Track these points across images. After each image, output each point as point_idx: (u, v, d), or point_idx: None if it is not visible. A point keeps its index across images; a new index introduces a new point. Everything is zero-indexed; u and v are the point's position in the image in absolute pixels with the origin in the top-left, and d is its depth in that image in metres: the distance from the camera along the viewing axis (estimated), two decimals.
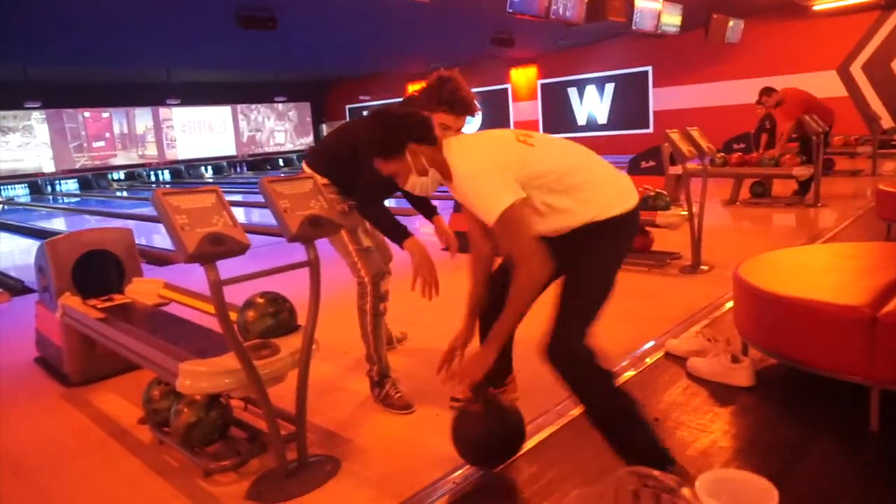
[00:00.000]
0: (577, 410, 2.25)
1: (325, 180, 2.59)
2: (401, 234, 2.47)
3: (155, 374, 2.42)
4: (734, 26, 12.60)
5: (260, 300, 2.31)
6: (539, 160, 1.92)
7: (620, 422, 1.83)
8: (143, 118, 19.80)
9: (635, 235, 2.09)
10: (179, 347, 2.27)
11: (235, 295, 2.34)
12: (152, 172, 20.20)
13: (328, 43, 13.45)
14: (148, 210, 11.98)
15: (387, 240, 2.84)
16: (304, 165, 2.76)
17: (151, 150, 20.04)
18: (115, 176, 19.50)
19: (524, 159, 1.89)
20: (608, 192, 1.98)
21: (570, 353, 1.82)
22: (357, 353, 3.27)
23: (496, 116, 19.02)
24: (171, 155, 20.48)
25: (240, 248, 1.88)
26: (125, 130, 19.53)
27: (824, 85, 8.87)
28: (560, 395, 2.21)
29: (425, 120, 1.96)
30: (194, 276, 2.10)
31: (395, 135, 1.92)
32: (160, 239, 8.28)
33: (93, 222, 11.23)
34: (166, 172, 20.50)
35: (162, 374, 2.30)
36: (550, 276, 1.87)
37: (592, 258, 1.92)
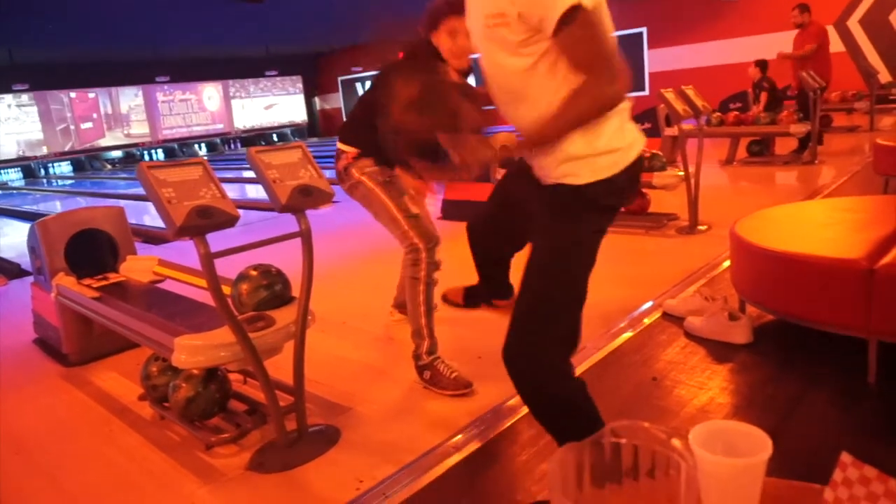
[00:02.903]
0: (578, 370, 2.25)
1: (355, 151, 2.54)
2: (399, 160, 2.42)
3: (152, 351, 2.41)
4: None
5: (253, 272, 2.30)
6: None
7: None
8: (126, 97, 19.51)
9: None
10: (175, 323, 2.27)
11: (231, 269, 2.33)
12: (145, 152, 20.05)
13: (317, 13, 13.23)
14: (142, 190, 11.91)
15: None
16: (337, 144, 2.64)
17: (135, 130, 19.75)
18: (110, 156, 19.35)
19: None
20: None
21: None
22: (353, 324, 3.29)
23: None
24: (164, 134, 20.32)
25: (229, 220, 1.85)
26: (109, 111, 19.29)
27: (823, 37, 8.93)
28: None
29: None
30: (189, 254, 2.08)
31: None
32: (155, 218, 8.25)
33: (87, 204, 11.17)
34: (159, 152, 20.34)
35: (158, 350, 2.29)
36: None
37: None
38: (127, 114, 19.62)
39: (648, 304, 3.04)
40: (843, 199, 3.27)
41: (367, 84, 17.53)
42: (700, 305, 2.77)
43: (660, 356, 2.51)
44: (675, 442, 0.70)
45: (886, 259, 2.14)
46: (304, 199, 2.03)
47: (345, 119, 2.68)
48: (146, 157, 20.01)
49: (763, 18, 12.69)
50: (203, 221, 1.80)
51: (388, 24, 16.11)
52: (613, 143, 1.45)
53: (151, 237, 6.27)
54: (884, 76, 11.80)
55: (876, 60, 11.63)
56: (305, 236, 2.06)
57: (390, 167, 2.57)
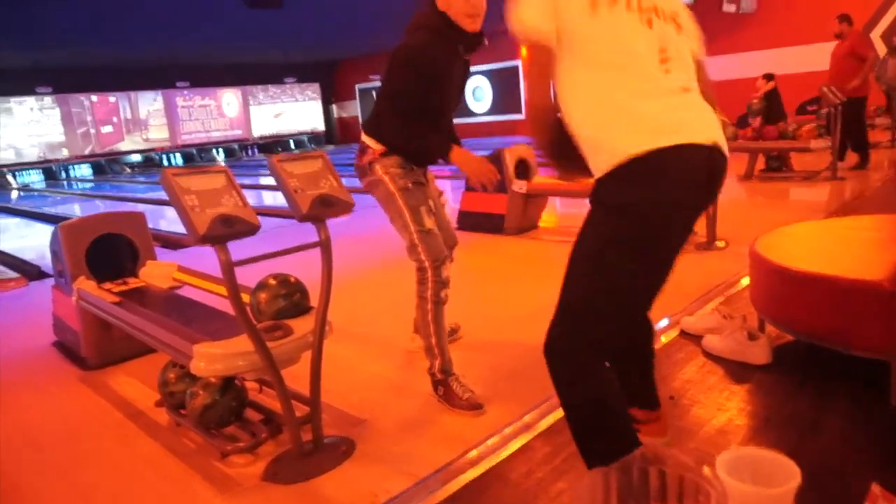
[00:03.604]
0: None
1: (382, 148, 2.45)
2: (444, 149, 2.38)
3: (170, 357, 2.43)
4: None
5: (272, 282, 2.31)
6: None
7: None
8: (145, 101, 19.74)
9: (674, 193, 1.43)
10: (193, 330, 2.28)
11: (249, 277, 2.34)
12: (164, 156, 20.27)
13: (335, 21, 13.35)
14: (161, 194, 12.05)
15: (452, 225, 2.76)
16: (362, 136, 2.55)
17: (154, 134, 19.98)
18: (129, 160, 19.58)
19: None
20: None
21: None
22: (371, 335, 3.29)
23: (507, 94, 18.85)
24: (183, 139, 20.55)
25: (250, 229, 1.87)
26: (128, 115, 19.52)
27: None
28: None
29: None
30: (207, 259, 2.10)
31: None
32: (173, 223, 8.33)
33: (106, 207, 11.31)
34: (178, 156, 20.56)
35: (176, 357, 2.31)
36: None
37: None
38: (146, 118, 19.87)
39: (665, 322, 3.01)
40: (865, 217, 3.24)
41: None
42: (718, 323, 2.74)
43: (677, 375, 2.49)
44: (706, 469, 0.69)
45: None
46: (324, 209, 2.05)
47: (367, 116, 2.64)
48: (165, 162, 20.25)
49: (782, 32, 12.62)
50: (225, 230, 1.82)
51: (399, 34, 16.24)
52: (638, 126, 1.41)
53: (170, 242, 6.33)
54: None
55: None
56: (325, 246, 2.08)
57: (415, 168, 2.50)
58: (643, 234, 1.44)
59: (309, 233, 2.07)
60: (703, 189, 1.48)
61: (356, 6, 11.19)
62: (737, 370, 2.47)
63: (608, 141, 1.43)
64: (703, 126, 1.46)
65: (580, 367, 1.48)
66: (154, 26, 12.17)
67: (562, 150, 1.58)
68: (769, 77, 7.96)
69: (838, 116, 6.56)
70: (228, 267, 1.85)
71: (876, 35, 12.03)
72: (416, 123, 2.38)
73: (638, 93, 1.44)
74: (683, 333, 2.85)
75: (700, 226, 4.48)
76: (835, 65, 7.25)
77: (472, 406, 2.35)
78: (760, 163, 7.33)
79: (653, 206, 1.42)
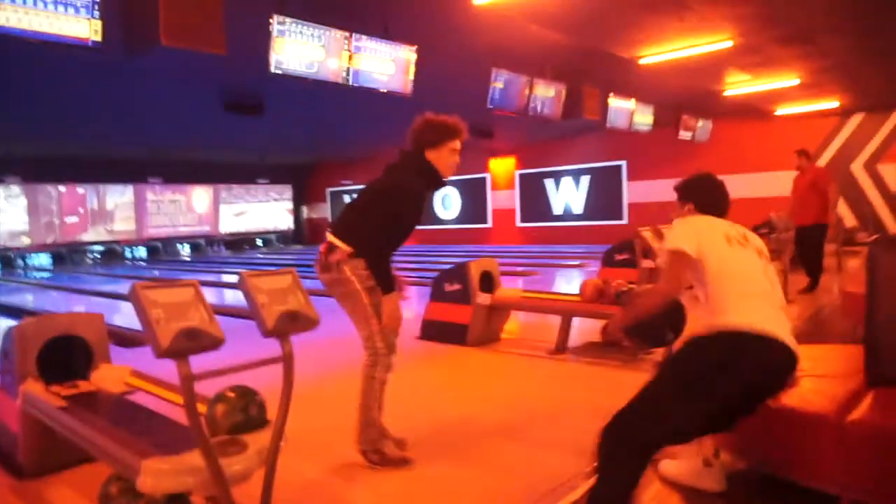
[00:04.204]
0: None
1: (349, 249, 2.87)
2: (390, 286, 2.87)
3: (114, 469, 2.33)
4: (703, 126, 13.25)
5: (231, 394, 2.27)
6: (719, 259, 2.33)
7: None
8: (113, 194, 19.75)
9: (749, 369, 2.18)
10: (143, 442, 2.21)
11: (205, 382, 2.30)
12: (127, 248, 20.07)
13: (312, 128, 13.83)
14: (121, 287, 11.83)
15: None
16: (330, 237, 2.94)
17: (120, 226, 19.85)
18: (94, 253, 19.32)
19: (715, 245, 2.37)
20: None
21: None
22: (330, 448, 3.21)
23: (475, 205, 19.47)
24: (149, 232, 20.45)
25: (214, 344, 1.88)
26: (96, 206, 19.45)
27: (789, 183, 9.45)
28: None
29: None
30: (162, 362, 2.07)
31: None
32: (129, 318, 8.14)
33: (62, 299, 11.03)
34: (142, 249, 20.39)
35: (122, 471, 2.21)
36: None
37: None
38: (112, 210, 19.79)
39: None
40: (814, 346, 3.36)
41: (355, 196, 17.96)
42: (675, 449, 2.75)
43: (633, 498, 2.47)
44: None
45: (856, 414, 2.19)
46: (289, 325, 2.07)
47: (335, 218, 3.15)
48: (128, 254, 20.02)
49: (735, 159, 13.47)
50: (189, 344, 1.82)
51: (375, 143, 16.86)
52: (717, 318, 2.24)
53: (125, 339, 6.16)
54: (849, 221, 12.45)
55: (840, 206, 12.28)
56: (287, 362, 2.08)
57: (373, 273, 2.87)
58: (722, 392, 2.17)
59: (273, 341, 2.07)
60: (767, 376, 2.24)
61: (332, 118, 11.66)
62: (692, 496, 2.47)
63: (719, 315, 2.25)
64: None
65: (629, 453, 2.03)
66: (133, 126, 12.44)
67: (641, 329, 2.52)
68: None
69: (788, 241, 6.92)
70: (188, 381, 1.84)
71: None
72: (387, 252, 2.92)
73: (748, 295, 2.27)
74: None
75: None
76: (797, 196, 7.74)
77: (402, 462, 2.90)
78: None
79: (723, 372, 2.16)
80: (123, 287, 11.99)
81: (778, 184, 10.17)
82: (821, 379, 2.64)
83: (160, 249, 20.62)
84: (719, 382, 2.12)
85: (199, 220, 21.77)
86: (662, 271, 2.45)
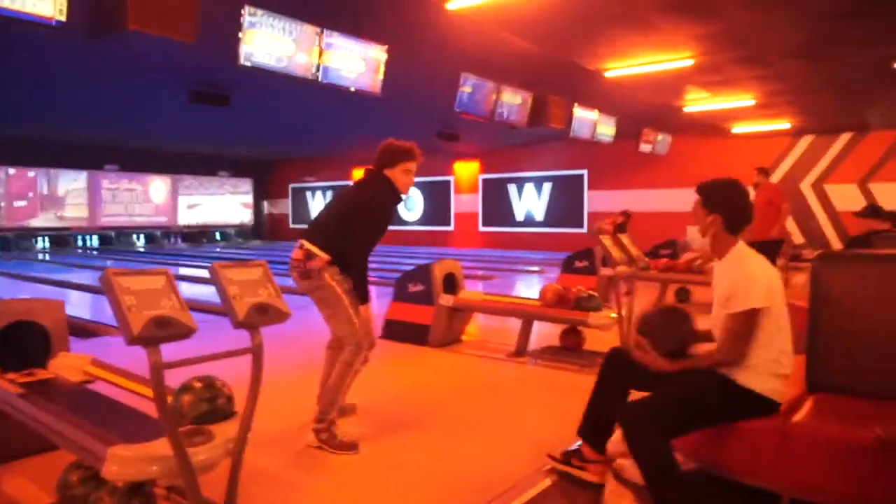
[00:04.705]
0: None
1: (327, 257, 3.14)
2: (365, 296, 3.21)
3: (75, 458, 2.31)
4: (662, 140, 13.62)
5: (197, 385, 2.28)
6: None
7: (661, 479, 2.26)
8: (65, 179, 19.19)
9: (747, 418, 2.37)
10: (108, 430, 2.20)
11: (170, 375, 2.30)
12: (79, 237, 19.51)
13: (278, 123, 13.70)
14: (73, 276, 11.50)
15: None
16: (307, 245, 3.18)
17: (72, 213, 19.28)
18: (42, 242, 18.70)
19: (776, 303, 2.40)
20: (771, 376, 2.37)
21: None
22: (295, 444, 3.22)
23: (438, 207, 19.55)
24: (103, 221, 19.91)
25: (186, 332, 1.89)
26: (45, 191, 18.85)
27: None
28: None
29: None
30: (118, 352, 2.07)
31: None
32: (79, 308, 7.97)
33: (9, 285, 10.67)
34: (95, 238, 19.85)
35: (85, 458, 2.20)
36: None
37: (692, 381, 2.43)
38: (64, 196, 19.21)
39: (580, 443, 3.11)
40: None
41: (318, 193, 17.83)
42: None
43: (590, 497, 2.57)
44: None
45: (798, 416, 2.33)
46: (260, 317, 2.09)
47: (311, 223, 3.39)
48: (79, 242, 19.46)
49: (692, 173, 13.82)
50: (160, 332, 1.83)
51: (340, 143, 16.78)
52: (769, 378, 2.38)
53: (77, 329, 6.02)
54: (797, 238, 12.96)
55: (789, 223, 12.78)
56: (256, 354, 2.10)
57: (349, 276, 3.19)
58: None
59: (238, 334, 2.08)
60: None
61: (300, 113, 11.59)
62: (645, 493, 2.57)
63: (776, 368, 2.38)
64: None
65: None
66: (91, 110, 12.12)
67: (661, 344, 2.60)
68: (626, 213, 8.92)
69: None
70: (158, 369, 1.84)
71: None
72: (363, 258, 3.23)
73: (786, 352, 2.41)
74: None
75: None
76: (755, 213, 8.03)
77: (348, 447, 3.07)
78: (670, 293, 7.85)
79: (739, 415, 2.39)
80: (74, 276, 11.66)
81: None
82: None
83: (113, 239, 20.10)
84: (731, 419, 2.39)
85: (156, 210, 21.31)
86: (730, 331, 2.36)
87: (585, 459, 2.73)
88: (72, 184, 19.33)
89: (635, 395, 2.60)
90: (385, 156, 3.35)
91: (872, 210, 7.33)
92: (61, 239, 19.03)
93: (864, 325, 2.60)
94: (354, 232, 3.16)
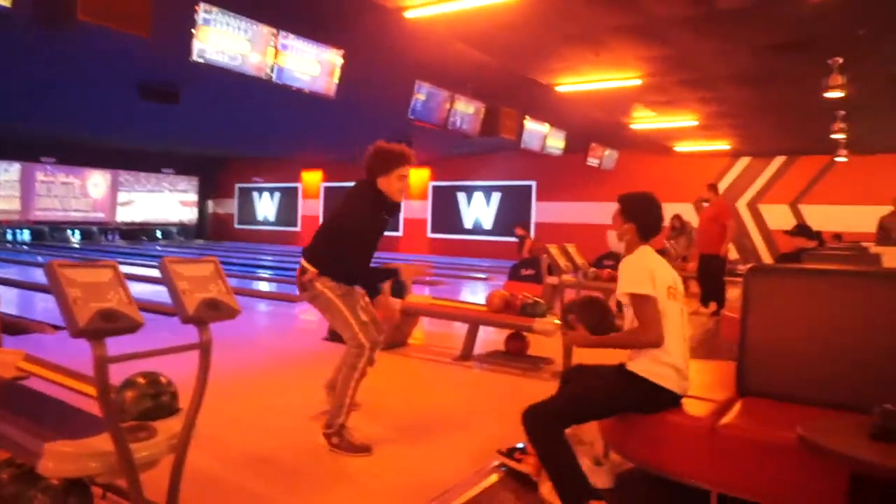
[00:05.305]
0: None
1: (315, 271, 3.24)
2: (375, 291, 3.45)
3: (8, 455, 2.23)
4: (610, 155, 14.01)
5: (141, 380, 2.25)
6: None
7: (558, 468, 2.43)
8: None
9: (647, 408, 2.54)
10: (43, 426, 2.14)
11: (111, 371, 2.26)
12: (9, 231, 18.63)
13: (227, 122, 13.45)
14: (1, 272, 10.99)
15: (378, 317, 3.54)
16: (302, 261, 3.29)
17: (1, 205, 18.39)
18: None
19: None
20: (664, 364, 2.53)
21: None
22: (238, 445, 3.19)
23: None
24: (36, 215, 19.08)
25: (133, 326, 1.87)
26: None
27: (683, 214, 10.34)
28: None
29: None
30: (54, 349, 2.02)
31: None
32: (9, 304, 7.63)
33: None
34: (26, 232, 19.00)
35: (19, 454, 2.13)
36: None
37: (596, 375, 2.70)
38: None
39: (521, 445, 3.19)
40: (696, 362, 3.69)
41: (265, 194, 17.63)
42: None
43: (531, 495, 2.64)
44: None
45: (726, 419, 2.46)
46: (210, 313, 2.08)
47: (308, 241, 3.45)
48: (9, 237, 18.59)
49: (637, 188, 14.25)
50: (106, 325, 1.80)
51: (290, 145, 16.57)
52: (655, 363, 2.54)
53: (8, 326, 5.78)
54: (732, 254, 13.50)
55: None
56: (205, 349, 2.09)
57: (345, 284, 3.28)
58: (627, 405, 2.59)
59: (183, 329, 2.06)
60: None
61: (249, 113, 11.41)
62: None
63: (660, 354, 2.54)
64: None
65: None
66: (28, 101, 11.62)
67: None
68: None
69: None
70: (102, 363, 1.81)
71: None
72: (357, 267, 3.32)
73: (678, 337, 2.57)
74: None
75: (558, 355, 4.83)
76: (702, 227, 8.37)
77: (361, 450, 3.10)
78: (613, 303, 8.06)
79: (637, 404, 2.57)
80: (2, 271, 11.14)
81: (676, 213, 10.93)
82: (697, 390, 2.92)
83: (47, 234, 19.28)
84: (631, 408, 2.58)
85: (94, 205, 20.55)
86: (638, 317, 2.52)
87: (526, 453, 2.85)
88: (3, 175, 18.46)
89: None
90: (377, 162, 3.24)
91: (802, 229, 7.74)
92: None
93: (792, 334, 2.77)
94: (344, 247, 3.21)
